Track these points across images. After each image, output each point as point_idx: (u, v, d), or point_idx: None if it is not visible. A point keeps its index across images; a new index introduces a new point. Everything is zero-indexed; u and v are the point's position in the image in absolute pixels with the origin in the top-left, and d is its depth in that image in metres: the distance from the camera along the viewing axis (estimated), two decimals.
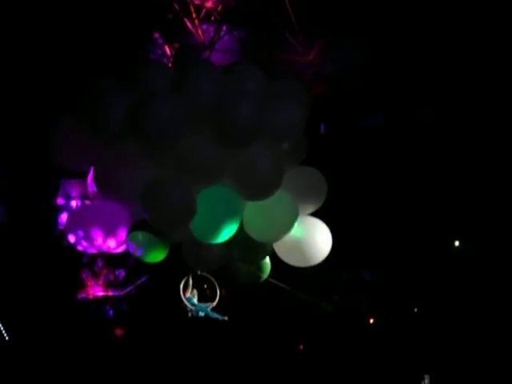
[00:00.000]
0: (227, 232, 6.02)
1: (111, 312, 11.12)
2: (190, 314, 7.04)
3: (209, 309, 7.16)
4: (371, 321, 11.26)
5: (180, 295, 6.95)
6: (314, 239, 6.50)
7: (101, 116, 5.74)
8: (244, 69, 6.30)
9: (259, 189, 5.91)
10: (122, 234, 6.16)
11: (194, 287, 7.04)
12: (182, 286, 6.97)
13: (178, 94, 5.73)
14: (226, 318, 7.33)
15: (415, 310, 11.33)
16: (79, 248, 6.32)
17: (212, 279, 6.90)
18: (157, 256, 6.21)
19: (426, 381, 10.63)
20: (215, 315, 7.24)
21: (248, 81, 6.06)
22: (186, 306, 7.00)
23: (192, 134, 5.70)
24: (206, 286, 7.20)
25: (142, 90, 5.75)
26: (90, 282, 11.14)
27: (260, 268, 6.66)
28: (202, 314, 7.08)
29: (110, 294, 11.12)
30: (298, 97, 6.23)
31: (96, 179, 6.03)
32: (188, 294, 6.94)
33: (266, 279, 6.64)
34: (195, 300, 7.04)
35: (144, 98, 5.57)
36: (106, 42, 9.68)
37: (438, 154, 10.54)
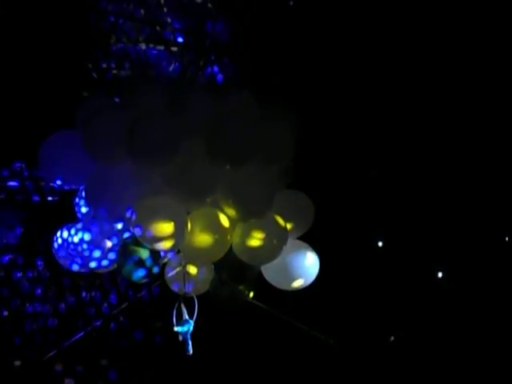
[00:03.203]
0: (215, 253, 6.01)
1: None
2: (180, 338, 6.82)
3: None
4: None
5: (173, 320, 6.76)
6: (301, 263, 6.52)
7: (95, 134, 5.75)
8: (236, 92, 6.37)
9: (250, 210, 5.93)
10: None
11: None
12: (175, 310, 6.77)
13: (173, 114, 5.78)
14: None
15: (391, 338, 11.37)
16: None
17: (194, 299, 6.73)
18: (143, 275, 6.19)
19: None
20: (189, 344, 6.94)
21: (240, 104, 6.13)
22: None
23: (185, 152, 5.73)
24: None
25: (137, 109, 5.78)
26: None
27: (245, 290, 6.64)
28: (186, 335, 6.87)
29: None
30: (289, 120, 6.30)
31: (87, 197, 6.02)
32: (186, 316, 6.75)
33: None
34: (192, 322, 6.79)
35: (139, 118, 5.61)
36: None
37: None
